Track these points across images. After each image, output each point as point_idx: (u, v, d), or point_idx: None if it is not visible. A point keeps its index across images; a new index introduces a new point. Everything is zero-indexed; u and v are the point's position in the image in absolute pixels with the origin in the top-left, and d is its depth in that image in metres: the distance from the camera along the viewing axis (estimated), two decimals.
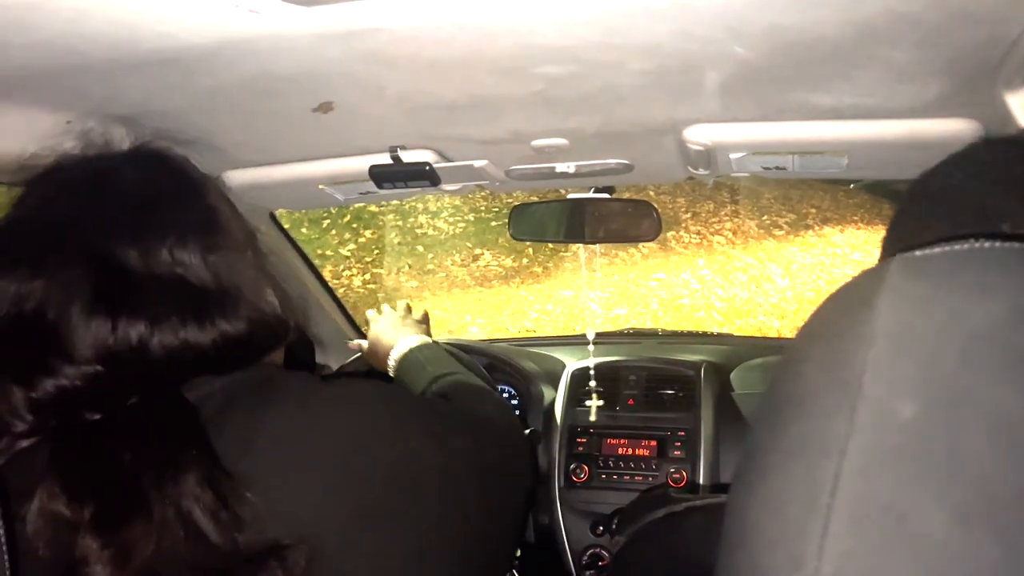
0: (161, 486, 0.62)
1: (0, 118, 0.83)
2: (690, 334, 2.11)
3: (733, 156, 1.07)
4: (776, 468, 0.43)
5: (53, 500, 0.61)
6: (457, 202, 6.84)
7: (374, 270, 6.28)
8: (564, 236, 1.43)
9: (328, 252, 6.34)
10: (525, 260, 6.28)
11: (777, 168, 1.10)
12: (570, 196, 1.38)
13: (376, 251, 6.46)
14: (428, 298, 5.81)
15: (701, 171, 1.16)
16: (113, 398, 0.67)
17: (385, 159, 1.11)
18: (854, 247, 6.46)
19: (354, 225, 6.63)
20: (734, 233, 6.75)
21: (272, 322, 0.78)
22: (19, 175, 0.77)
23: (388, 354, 1.26)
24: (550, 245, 5.80)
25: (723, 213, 7.00)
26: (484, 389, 1.10)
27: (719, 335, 2.11)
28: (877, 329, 0.40)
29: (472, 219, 6.68)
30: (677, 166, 1.16)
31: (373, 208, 6.72)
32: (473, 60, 0.79)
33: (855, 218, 7.10)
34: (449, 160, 1.13)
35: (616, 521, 0.93)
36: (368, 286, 6.09)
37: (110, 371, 0.67)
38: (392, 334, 1.30)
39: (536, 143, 1.06)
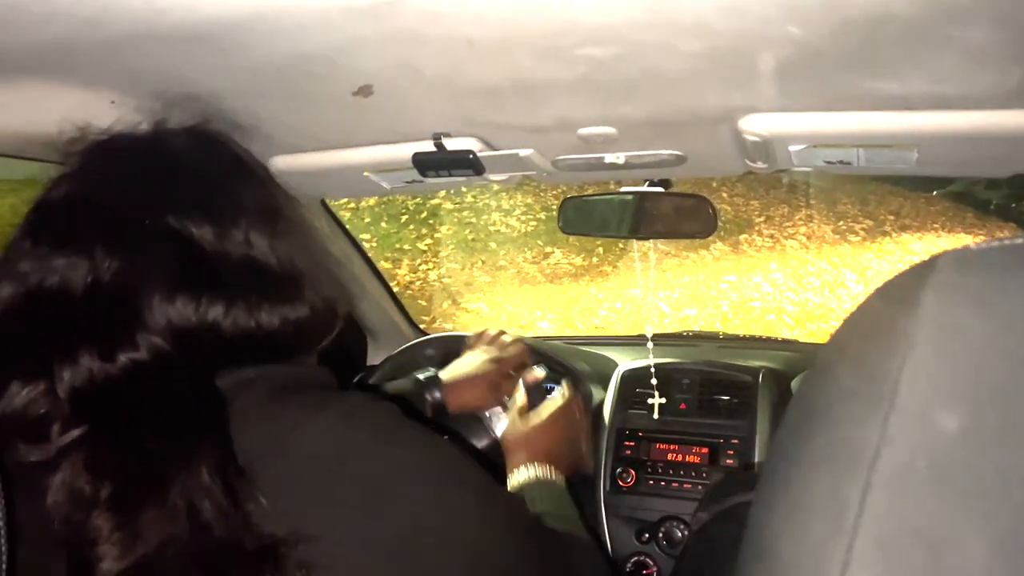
0: (177, 474, 0.61)
1: (39, 96, 0.83)
2: (752, 338, 2.03)
3: (793, 148, 1.01)
4: (798, 481, 0.39)
5: (76, 475, 0.61)
6: (529, 200, 6.92)
7: (449, 264, 6.39)
8: (615, 231, 1.38)
9: (406, 246, 6.50)
10: (595, 259, 6.28)
11: (841, 163, 1.03)
12: (622, 189, 1.33)
13: (451, 247, 6.58)
14: (500, 293, 5.89)
15: (759, 164, 1.10)
16: (163, 379, 0.66)
17: (429, 147, 1.09)
18: (933, 255, 6.29)
19: (430, 221, 6.78)
20: (808, 238, 6.64)
21: (328, 310, 0.78)
22: (58, 154, 0.78)
23: (515, 464, 1.16)
24: (620, 245, 5.83)
25: (797, 217, 6.90)
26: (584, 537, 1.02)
27: (783, 340, 2.03)
28: (919, 329, 0.35)
29: (544, 217, 6.73)
30: (733, 158, 1.10)
31: (449, 205, 6.89)
32: (510, 39, 0.75)
33: (935, 225, 6.88)
34: (494, 149, 1.10)
35: (702, 496, 0.88)
36: (444, 279, 6.21)
37: (179, 349, 0.67)
38: (530, 451, 1.17)
39: (583, 131, 1.02)
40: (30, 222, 0.72)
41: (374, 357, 1.90)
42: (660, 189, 1.29)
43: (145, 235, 0.69)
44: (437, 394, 1.28)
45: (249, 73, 0.84)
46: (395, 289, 5.45)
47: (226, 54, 0.78)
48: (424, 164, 1.11)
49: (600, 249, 6.27)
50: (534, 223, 6.78)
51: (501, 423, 1.32)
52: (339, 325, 0.80)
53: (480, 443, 1.29)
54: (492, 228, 6.80)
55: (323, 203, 1.61)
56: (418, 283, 6.09)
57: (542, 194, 6.76)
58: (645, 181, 1.33)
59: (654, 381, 1.55)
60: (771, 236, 6.63)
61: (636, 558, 1.51)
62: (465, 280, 6.19)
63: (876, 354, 0.37)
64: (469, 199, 6.99)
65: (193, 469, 0.61)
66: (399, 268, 6.23)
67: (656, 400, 1.54)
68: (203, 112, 0.82)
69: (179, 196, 0.72)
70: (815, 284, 5.91)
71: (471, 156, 1.08)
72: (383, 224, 6.65)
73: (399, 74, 0.85)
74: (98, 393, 0.64)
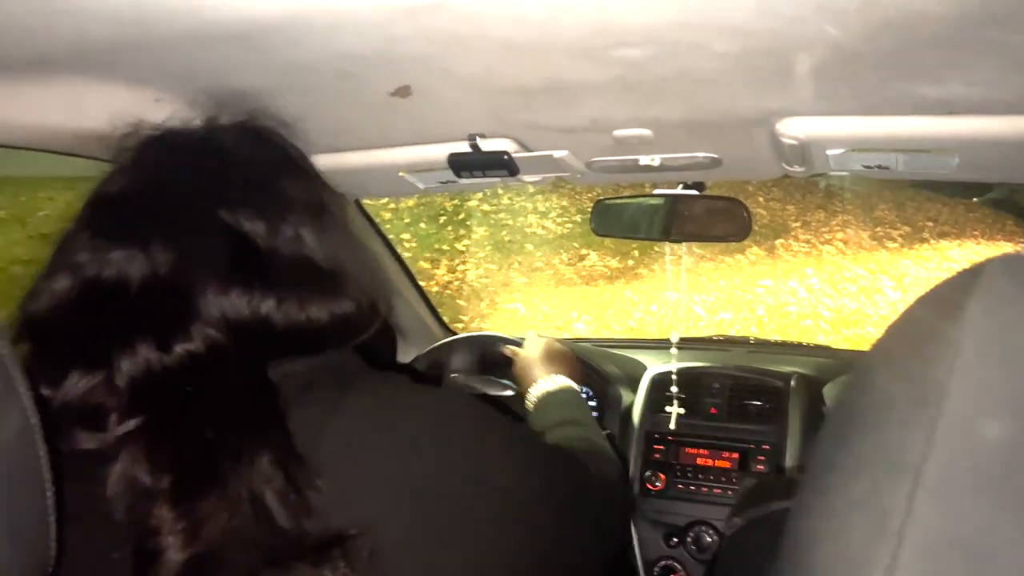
0: (236, 465, 0.62)
1: (88, 94, 0.85)
2: (783, 344, 2.01)
3: (831, 153, 1.00)
4: (839, 486, 0.39)
5: (135, 466, 0.62)
6: (565, 203, 6.98)
7: (486, 265, 6.46)
8: (648, 233, 1.38)
9: (444, 247, 6.59)
10: (630, 262, 6.30)
11: (880, 167, 1.02)
12: (656, 192, 1.33)
13: (488, 248, 6.65)
14: (536, 294, 5.94)
15: (796, 168, 1.09)
16: (218, 371, 0.67)
17: (464, 147, 1.10)
18: (972, 263, 6.18)
19: (468, 222, 6.87)
20: (845, 243, 6.59)
21: (371, 305, 0.79)
22: (108, 150, 0.79)
23: (530, 385, 1.27)
24: (655, 248, 5.80)
25: (834, 223, 6.86)
26: (597, 444, 1.10)
27: (815, 346, 2.00)
28: (966, 334, 0.35)
29: (579, 220, 6.78)
30: (770, 161, 1.09)
31: (486, 207, 6.98)
32: (547, 40, 0.76)
33: (975, 232, 6.77)
34: (528, 150, 1.10)
35: (736, 500, 0.88)
36: (481, 280, 6.28)
37: (233, 341, 0.68)
38: (540, 368, 1.31)
39: (618, 133, 1.02)
40: (86, 214, 0.73)
41: (404, 356, 1.91)
42: (694, 192, 1.29)
43: (200, 229, 0.71)
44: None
45: (289, 72, 0.85)
46: (433, 289, 5.41)
47: (267, 53, 0.79)
48: (459, 164, 1.11)
49: (636, 252, 6.28)
50: (570, 225, 6.82)
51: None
52: (380, 320, 0.81)
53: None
54: (528, 230, 6.85)
55: (358, 203, 1.62)
56: (456, 283, 6.17)
57: (577, 197, 6.80)
58: (678, 184, 1.32)
59: (675, 389, 1.54)
60: (807, 241, 6.59)
61: (664, 562, 1.50)
62: (502, 281, 6.26)
63: (921, 361, 0.36)
64: (505, 201, 7.06)
65: (254, 459, 0.61)
66: (437, 268, 6.31)
67: (675, 409, 1.54)
68: (244, 110, 0.83)
69: (232, 190, 0.74)
70: (852, 290, 5.86)
71: (506, 157, 1.08)
72: (422, 225, 6.76)
73: (436, 75, 0.86)
74: (155, 384, 0.65)
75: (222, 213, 0.71)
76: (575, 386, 1.28)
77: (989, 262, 0.38)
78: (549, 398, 1.23)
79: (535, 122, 1.02)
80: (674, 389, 1.55)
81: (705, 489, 1.49)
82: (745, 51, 0.75)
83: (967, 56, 0.73)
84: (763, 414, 1.52)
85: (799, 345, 1.99)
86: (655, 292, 5.82)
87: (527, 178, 1.21)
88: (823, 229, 6.74)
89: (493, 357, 1.68)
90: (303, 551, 0.60)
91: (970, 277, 0.38)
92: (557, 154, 1.11)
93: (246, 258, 0.71)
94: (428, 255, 6.44)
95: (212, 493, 0.60)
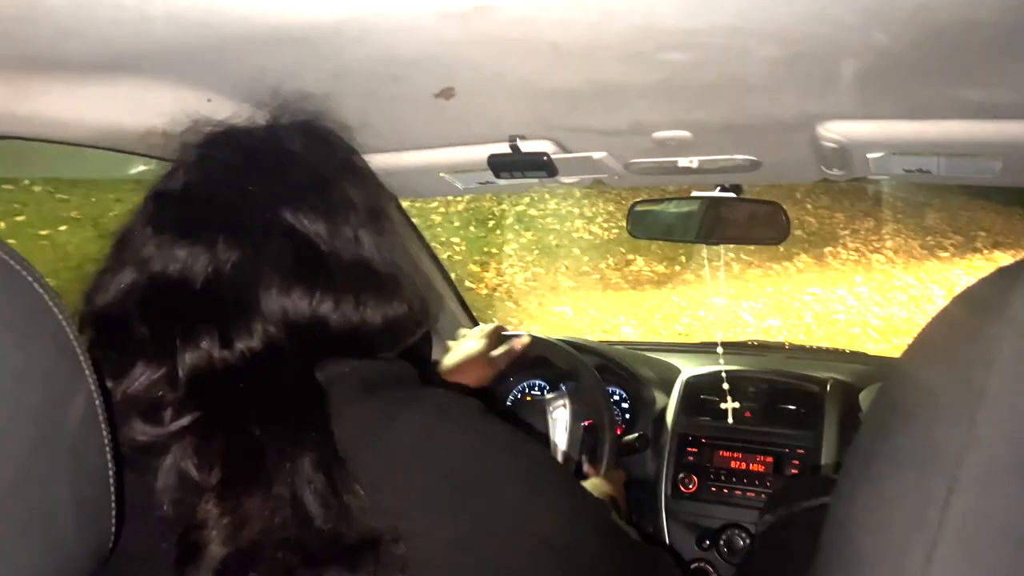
0: (281, 464, 0.62)
1: (143, 93, 0.88)
2: (819, 350, 2.00)
3: (871, 156, 1.00)
4: (880, 477, 0.39)
5: (185, 460, 0.63)
6: (611, 208, 7.03)
7: (534, 269, 6.49)
8: (684, 236, 1.38)
9: (494, 250, 6.68)
10: (677, 267, 6.33)
11: (920, 171, 1.02)
12: (693, 194, 1.33)
13: (536, 251, 6.69)
14: (584, 297, 5.97)
15: (836, 171, 1.09)
16: (273, 370, 0.68)
17: (504, 148, 1.11)
18: (1019, 260, 6.11)
19: (516, 227, 6.94)
20: (895, 252, 6.56)
21: (421, 309, 0.79)
22: (171, 150, 0.81)
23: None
24: (703, 253, 5.79)
25: (884, 231, 6.82)
26: None
27: (852, 353, 1.98)
28: (1010, 329, 0.36)
29: (625, 225, 6.68)
30: (809, 165, 1.09)
31: (533, 211, 7.05)
32: (594, 44, 0.77)
33: None
34: (568, 151, 1.12)
35: (768, 498, 0.87)
36: (529, 283, 6.33)
37: (291, 341, 0.69)
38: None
39: (658, 135, 1.03)
40: (149, 210, 0.74)
41: (439, 353, 1.92)
42: (732, 195, 1.29)
43: (264, 228, 0.71)
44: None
45: (338, 75, 0.87)
46: (483, 292, 5.41)
47: (320, 56, 0.81)
48: (499, 165, 1.13)
49: (682, 258, 6.31)
50: (616, 230, 6.84)
51: (560, 421, 1.32)
52: (428, 323, 0.81)
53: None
54: (575, 235, 6.90)
55: (397, 204, 1.64)
56: (505, 285, 6.24)
57: (623, 202, 6.81)
58: (716, 187, 1.33)
59: (726, 386, 1.54)
60: (856, 249, 6.56)
61: (696, 564, 1.50)
62: (550, 284, 6.30)
63: (962, 357, 0.37)
64: (552, 206, 7.12)
65: (297, 460, 0.62)
66: (487, 271, 6.37)
67: (729, 404, 1.54)
68: (304, 111, 0.85)
69: (295, 191, 0.74)
70: (901, 299, 5.83)
71: (545, 158, 1.09)
72: (471, 228, 6.85)
73: (481, 77, 0.88)
74: (213, 379, 0.66)
75: (285, 213, 0.72)
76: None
77: None
78: None
79: (576, 124, 1.03)
80: (726, 387, 1.55)
81: (739, 492, 1.49)
82: (792, 56, 0.76)
83: (1016, 61, 0.73)
84: (798, 419, 1.52)
85: (836, 351, 1.98)
86: (703, 297, 5.84)
87: (565, 179, 1.22)
88: (872, 237, 6.70)
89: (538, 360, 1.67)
90: (338, 553, 0.60)
91: (1010, 275, 0.38)
92: (596, 155, 1.12)
93: (308, 258, 0.71)
94: (477, 258, 6.51)
95: (257, 491, 0.61)
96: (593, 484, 1.27)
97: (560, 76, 0.86)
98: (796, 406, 1.54)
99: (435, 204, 6.76)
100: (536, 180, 1.21)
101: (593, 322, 5.65)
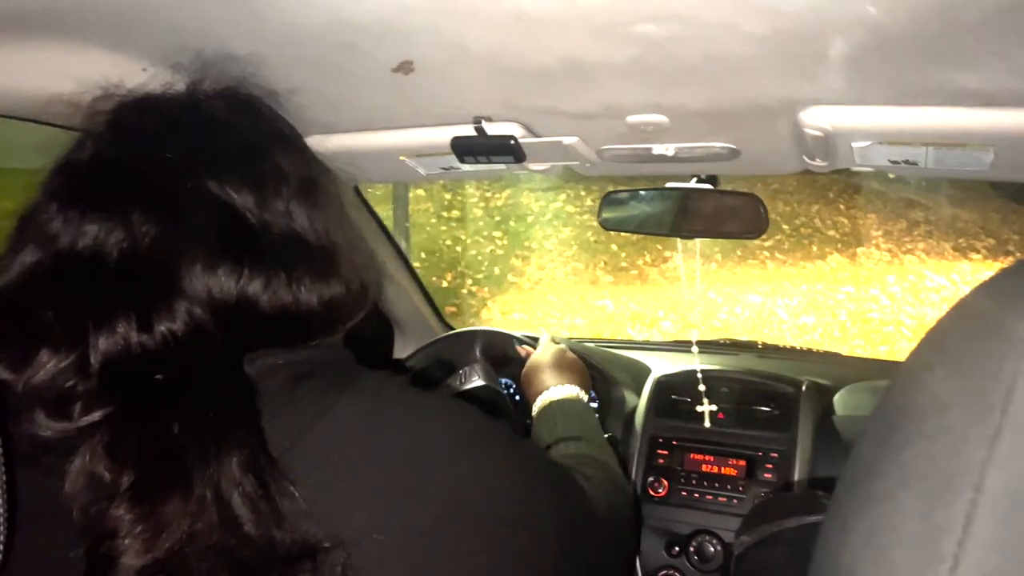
0: (203, 465, 0.57)
1: (62, 56, 0.80)
2: (793, 349, 1.96)
3: (856, 145, 0.94)
4: (882, 499, 0.34)
5: (96, 461, 0.57)
6: None
7: (574, 264, 6.60)
8: (658, 228, 1.32)
9: (534, 245, 6.83)
10: (714, 264, 6.36)
11: (907, 162, 0.96)
12: (668, 185, 1.28)
13: (575, 247, 6.80)
14: (623, 292, 6.07)
15: (818, 161, 1.03)
16: (197, 358, 0.62)
17: (468, 131, 1.04)
18: None
19: (554, 223, 7.07)
20: (927, 253, 6.64)
21: (359, 290, 0.74)
22: (81, 118, 0.74)
23: (538, 391, 1.22)
24: (738, 252, 6.16)
25: (916, 233, 6.88)
26: (604, 463, 1.04)
27: (825, 353, 1.95)
28: None
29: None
30: (790, 154, 1.04)
31: (571, 208, 7.22)
32: (563, 14, 0.70)
33: None
34: (536, 135, 1.05)
35: (746, 516, 0.83)
36: (570, 277, 6.43)
37: (217, 324, 0.63)
38: (550, 375, 1.25)
39: (632, 119, 0.97)
40: (55, 183, 0.68)
41: (401, 351, 1.86)
42: (708, 186, 1.23)
43: (186, 199, 0.65)
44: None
45: (285, 39, 0.80)
46: (525, 286, 5.64)
47: (262, 16, 0.74)
48: (463, 149, 1.06)
49: (719, 255, 6.36)
50: None
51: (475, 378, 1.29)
52: (369, 305, 0.76)
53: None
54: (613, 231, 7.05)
55: (356, 189, 1.57)
56: (547, 279, 6.35)
57: None
58: (691, 178, 1.27)
59: (702, 387, 1.49)
60: (889, 251, 6.65)
61: (665, 571, 1.45)
62: (589, 279, 6.39)
63: (981, 360, 0.31)
64: (589, 203, 7.18)
65: (222, 459, 0.57)
66: (528, 265, 6.52)
67: (707, 407, 1.48)
68: (231, 77, 0.78)
69: (219, 160, 0.69)
70: (934, 299, 5.90)
71: (512, 142, 1.03)
72: (512, 223, 7.00)
73: (442, 50, 0.81)
74: (131, 368, 0.60)
75: (209, 183, 0.66)
76: (584, 397, 1.23)
77: None
78: (556, 407, 1.17)
79: (545, 105, 0.97)
80: (702, 388, 1.50)
81: (710, 497, 1.44)
82: (777, 32, 0.70)
83: (1013, 43, 0.68)
84: (772, 420, 1.47)
85: (809, 352, 1.94)
86: (739, 295, 5.93)
87: (534, 166, 1.16)
88: (905, 239, 6.77)
89: (496, 353, 1.63)
90: (271, 562, 0.55)
91: None
92: (567, 140, 1.05)
93: (235, 232, 0.66)
94: (519, 252, 6.66)
95: (176, 495, 0.55)
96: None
97: (527, 50, 0.80)
98: (770, 408, 1.49)
99: (475, 199, 7.04)
100: (503, 166, 1.15)
101: (634, 316, 5.75)
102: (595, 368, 1.64)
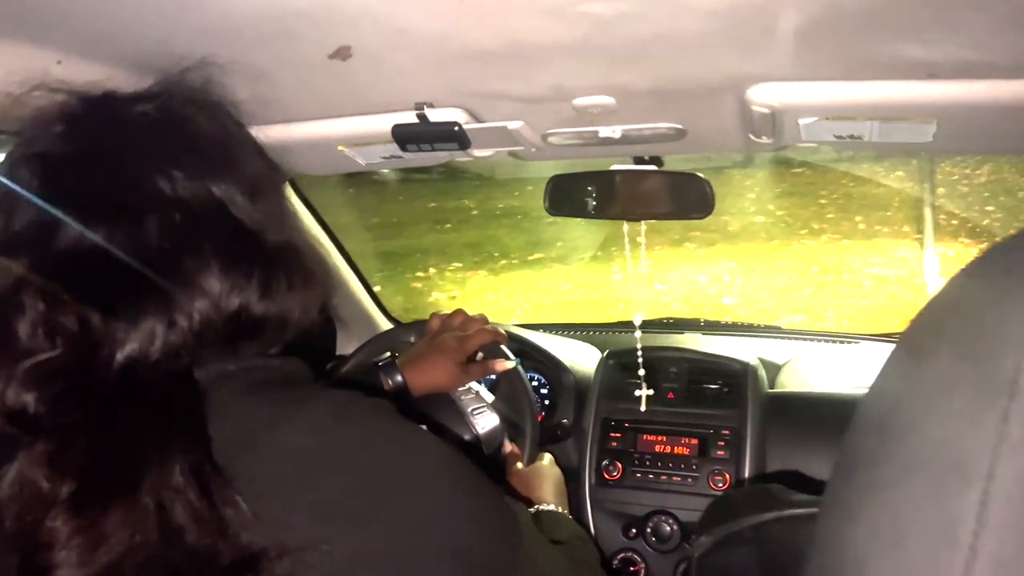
0: (145, 472, 0.54)
1: None
2: (735, 325, 1.98)
3: (803, 122, 0.94)
4: (885, 487, 0.33)
5: (34, 468, 0.53)
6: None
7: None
8: (605, 212, 1.31)
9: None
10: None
11: (852, 137, 0.97)
12: (613, 167, 1.26)
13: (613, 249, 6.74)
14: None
15: (764, 139, 1.03)
16: (143, 361, 0.58)
17: (410, 118, 1.01)
18: None
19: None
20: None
21: (316, 294, 0.71)
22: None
23: (536, 499, 1.17)
24: (762, 235, 6.24)
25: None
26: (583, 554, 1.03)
27: (767, 327, 1.98)
28: None
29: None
30: (736, 133, 1.03)
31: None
32: None
33: None
34: (480, 121, 1.02)
35: (701, 517, 0.82)
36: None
37: (208, 330, 0.61)
38: (551, 494, 1.20)
39: (578, 102, 0.95)
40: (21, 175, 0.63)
41: (344, 347, 1.81)
42: (652, 167, 1.22)
43: (134, 199, 0.61)
44: (398, 377, 1.19)
45: (211, 31, 0.75)
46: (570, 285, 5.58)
47: (185, 7, 0.69)
48: (405, 137, 1.02)
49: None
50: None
51: (482, 418, 1.25)
52: (320, 312, 0.72)
53: (464, 436, 1.22)
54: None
55: (292, 182, 1.51)
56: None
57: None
58: (633, 160, 1.25)
59: (642, 372, 1.48)
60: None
61: (623, 554, 1.45)
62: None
63: (987, 337, 0.30)
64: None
65: (165, 467, 0.54)
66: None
67: (644, 392, 1.48)
68: (162, 72, 0.73)
69: (168, 157, 0.64)
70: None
71: (456, 128, 1.00)
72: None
73: (381, 34, 0.77)
74: (70, 372, 0.56)
75: (159, 181, 0.62)
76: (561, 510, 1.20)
77: None
78: (548, 516, 1.13)
79: (489, 90, 0.94)
80: (641, 372, 1.49)
81: (664, 477, 1.44)
82: (727, 8, 0.69)
83: (958, 15, 0.68)
84: (722, 398, 1.48)
85: (751, 326, 1.96)
86: (764, 279, 5.94)
87: (478, 152, 1.13)
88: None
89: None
90: (213, 572, 0.53)
91: None
92: (512, 125, 1.03)
93: (184, 231, 0.62)
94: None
95: (117, 505, 0.52)
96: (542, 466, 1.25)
97: (469, 33, 0.77)
98: (719, 385, 1.50)
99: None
100: (446, 153, 1.12)
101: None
102: (544, 353, 1.63)
